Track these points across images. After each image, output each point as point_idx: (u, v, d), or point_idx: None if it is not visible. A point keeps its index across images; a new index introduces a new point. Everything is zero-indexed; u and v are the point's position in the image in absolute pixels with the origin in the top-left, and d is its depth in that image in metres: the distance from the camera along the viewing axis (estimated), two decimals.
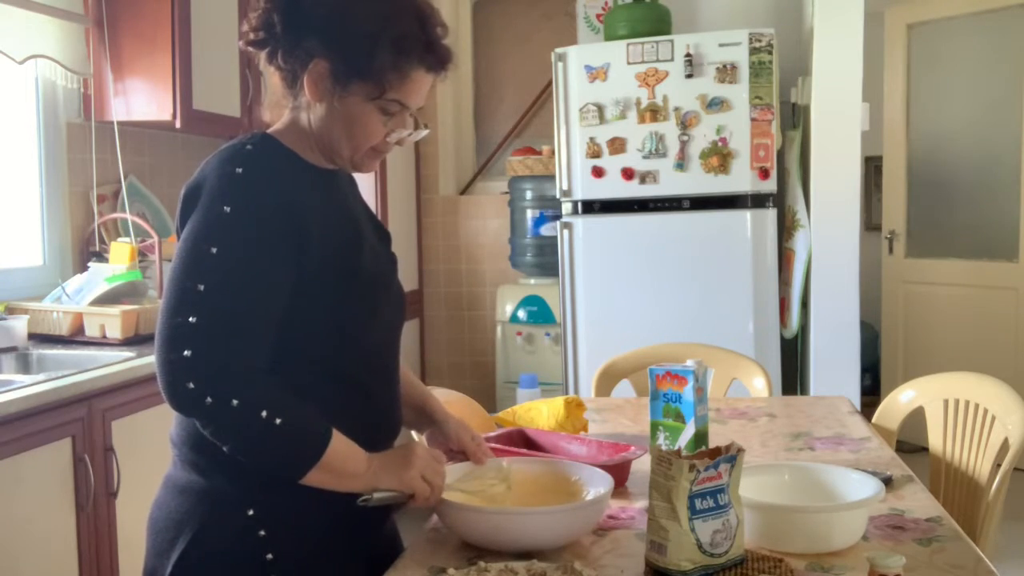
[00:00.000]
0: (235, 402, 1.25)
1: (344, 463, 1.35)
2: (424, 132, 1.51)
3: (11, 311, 2.88)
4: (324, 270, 1.38)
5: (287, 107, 1.44)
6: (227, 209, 1.31)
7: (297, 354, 1.39)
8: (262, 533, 1.38)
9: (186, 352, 1.25)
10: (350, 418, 1.40)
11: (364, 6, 1.36)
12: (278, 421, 1.27)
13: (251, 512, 1.38)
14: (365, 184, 4.31)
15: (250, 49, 1.43)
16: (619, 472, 1.58)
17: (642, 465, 1.70)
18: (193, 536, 1.39)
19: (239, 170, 1.34)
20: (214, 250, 1.29)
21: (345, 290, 1.41)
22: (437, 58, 1.40)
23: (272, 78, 1.44)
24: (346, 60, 1.35)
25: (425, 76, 1.40)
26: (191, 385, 1.25)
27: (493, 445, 1.75)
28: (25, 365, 2.76)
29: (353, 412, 1.44)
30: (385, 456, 1.43)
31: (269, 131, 1.45)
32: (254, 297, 1.31)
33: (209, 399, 1.25)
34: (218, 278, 1.29)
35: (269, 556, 1.38)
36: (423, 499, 1.44)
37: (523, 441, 1.80)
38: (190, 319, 1.26)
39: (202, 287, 1.27)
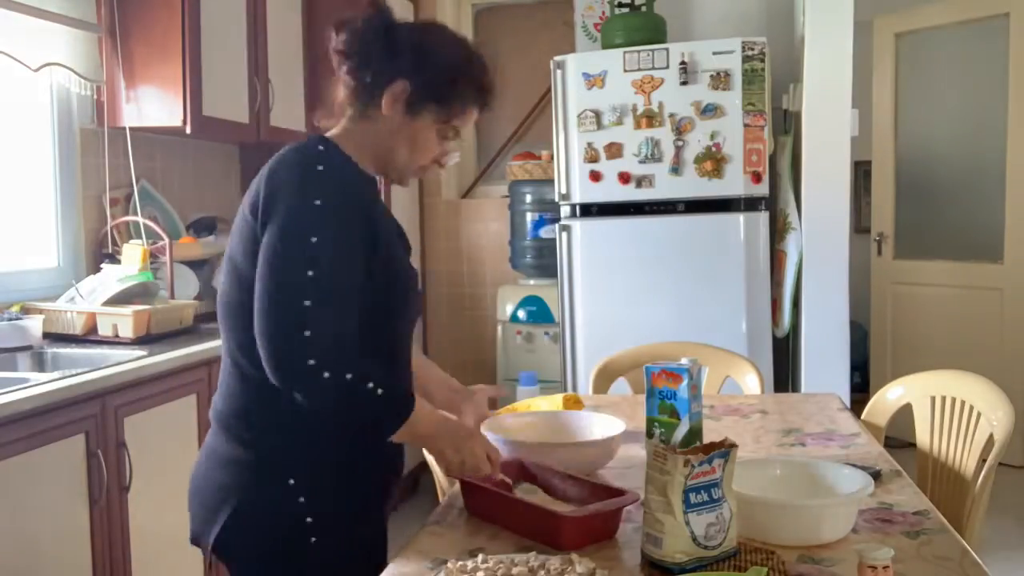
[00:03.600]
0: (348, 376, 1.40)
1: (418, 426, 1.51)
2: (457, 157, 1.66)
3: (26, 311, 2.88)
4: (385, 262, 1.52)
5: (345, 116, 1.58)
6: (317, 202, 1.43)
7: (376, 335, 1.53)
8: (302, 500, 1.51)
9: (307, 332, 1.37)
10: None
11: (448, 46, 1.57)
12: (380, 391, 1.43)
13: (292, 481, 1.51)
14: None
15: (338, 58, 1.55)
16: (611, 520, 1.54)
17: (641, 461, 1.76)
18: (238, 503, 1.52)
19: (320, 167, 1.47)
20: (314, 239, 1.41)
21: (392, 282, 1.55)
22: (488, 99, 1.61)
23: (336, 89, 1.57)
24: (426, 86, 1.53)
25: (476, 112, 1.61)
26: (312, 362, 1.37)
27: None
28: (40, 363, 2.76)
29: None
30: (450, 424, 1.62)
31: (327, 136, 1.56)
32: (351, 282, 1.44)
33: (327, 374, 1.38)
34: (324, 265, 1.40)
35: (309, 519, 1.51)
36: (458, 469, 1.60)
37: (519, 471, 1.76)
38: (305, 303, 1.38)
39: (311, 273, 1.39)
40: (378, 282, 1.51)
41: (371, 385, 1.43)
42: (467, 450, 1.59)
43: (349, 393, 1.42)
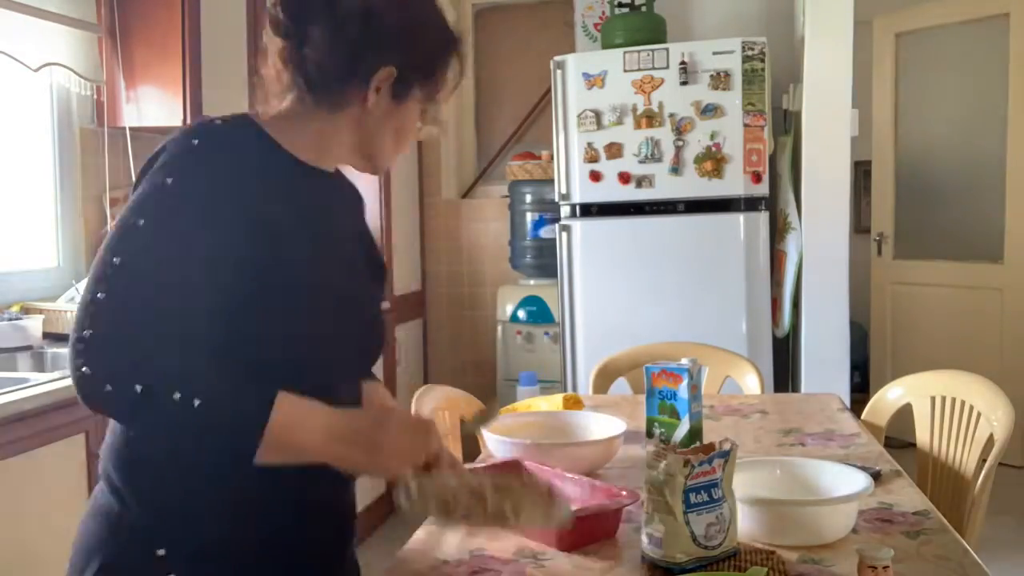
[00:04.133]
0: (138, 388, 1.07)
1: (292, 436, 1.14)
2: (423, 129, 1.45)
3: (26, 311, 2.87)
4: (283, 269, 1.21)
5: (288, 100, 1.31)
6: (168, 181, 1.16)
7: (240, 349, 1.19)
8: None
9: (86, 332, 1.08)
10: None
11: (431, 23, 1.35)
12: (196, 403, 1.08)
13: (161, 552, 1.19)
14: (370, 187, 4.34)
15: (300, 50, 1.29)
16: (611, 520, 1.53)
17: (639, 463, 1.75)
18: (100, 567, 1.22)
19: (195, 141, 1.20)
20: (141, 222, 1.14)
21: (295, 299, 1.22)
22: (466, 65, 1.40)
23: (272, 70, 1.31)
24: (414, 70, 1.31)
25: (453, 87, 1.39)
26: (86, 370, 1.07)
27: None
28: (40, 363, 2.75)
29: None
30: (353, 422, 1.21)
31: (250, 113, 1.31)
32: (177, 272, 1.13)
33: (108, 387, 1.08)
34: (137, 252, 1.13)
35: None
36: (401, 478, 1.22)
37: (518, 471, 1.70)
38: (98, 295, 1.10)
39: (117, 260, 1.12)
40: (270, 292, 1.20)
41: (178, 396, 1.08)
42: (413, 443, 1.24)
43: (151, 411, 1.09)
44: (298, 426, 1.15)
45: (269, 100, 1.32)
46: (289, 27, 1.29)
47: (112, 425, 1.25)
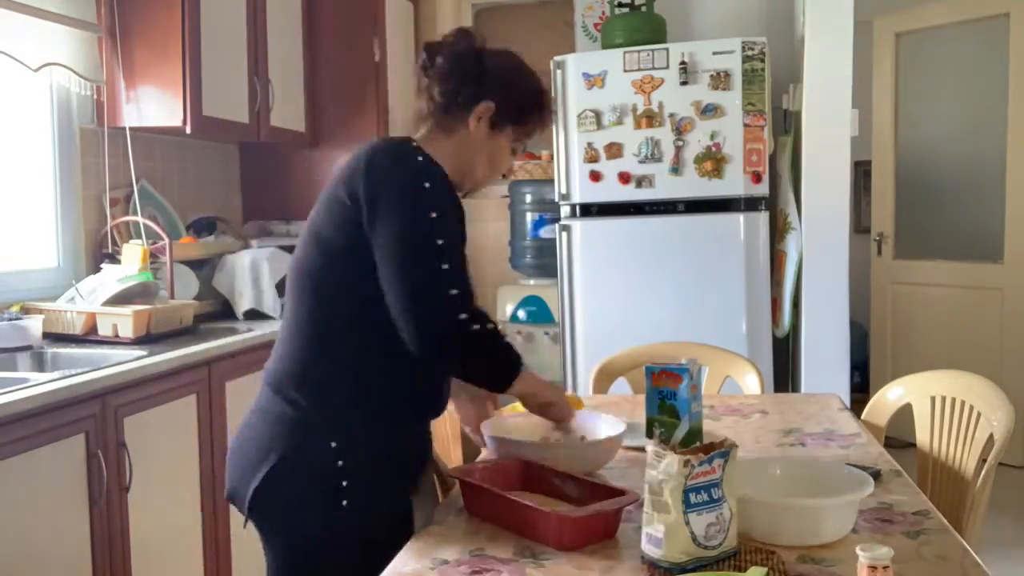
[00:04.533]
0: (490, 326, 1.59)
1: (528, 376, 1.73)
2: (517, 167, 1.90)
3: (26, 311, 2.89)
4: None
5: (422, 128, 1.74)
6: (427, 185, 1.58)
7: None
8: (340, 463, 1.61)
9: (452, 291, 1.55)
10: (426, 380, 1.72)
11: (527, 74, 1.78)
12: (506, 341, 1.65)
13: (334, 444, 1.61)
14: None
15: (431, 78, 1.73)
16: (611, 520, 1.55)
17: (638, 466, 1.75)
18: (279, 457, 1.62)
19: (420, 158, 1.62)
20: (434, 215, 1.56)
21: None
22: (549, 122, 1.83)
23: (424, 101, 1.74)
24: (509, 108, 1.72)
25: (541, 130, 1.81)
26: (463, 316, 1.55)
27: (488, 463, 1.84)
28: (40, 363, 2.77)
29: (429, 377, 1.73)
30: (533, 376, 1.78)
31: (415, 143, 1.69)
32: (463, 251, 1.64)
33: (476, 326, 1.56)
34: (448, 234, 1.57)
35: (344, 483, 1.61)
36: (559, 413, 1.86)
37: (520, 471, 1.77)
38: (443, 266, 1.54)
39: (440, 242, 1.55)
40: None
41: (506, 336, 1.64)
42: (557, 396, 1.84)
43: (492, 343, 1.61)
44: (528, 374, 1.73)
45: (414, 127, 1.76)
46: (427, 62, 1.73)
47: (287, 353, 1.67)
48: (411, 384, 1.68)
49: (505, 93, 1.71)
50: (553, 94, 3.94)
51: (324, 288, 1.64)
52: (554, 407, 1.84)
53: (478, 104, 1.70)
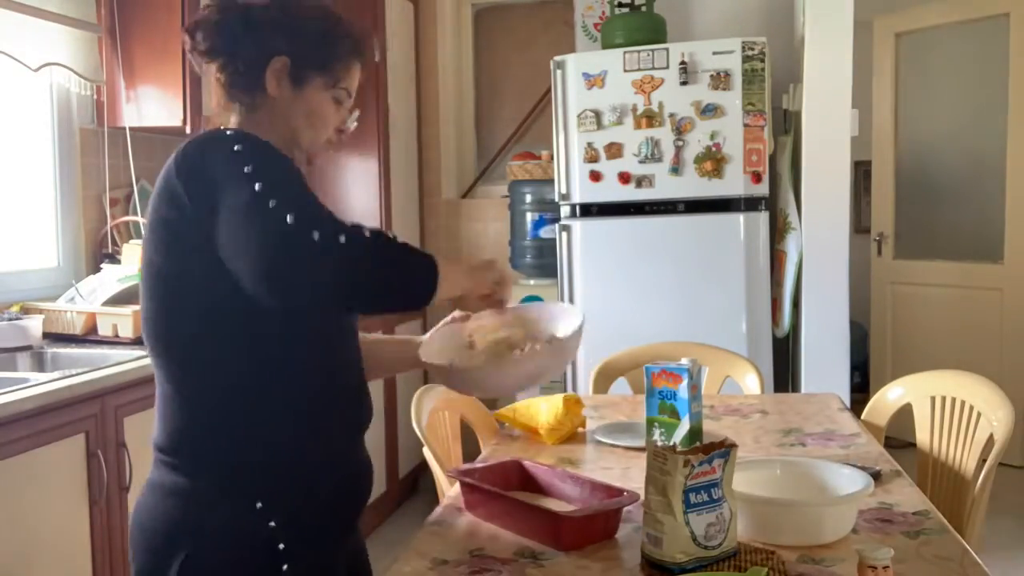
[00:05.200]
0: (367, 232, 1.27)
1: (449, 264, 1.37)
2: (356, 115, 1.60)
3: (26, 311, 2.89)
4: None
5: (233, 115, 1.47)
6: (237, 147, 1.30)
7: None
8: (272, 524, 1.35)
9: (288, 219, 1.22)
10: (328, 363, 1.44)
11: (311, 10, 1.50)
12: (400, 239, 1.31)
13: (259, 505, 1.35)
14: (369, 187, 4.34)
15: (202, 59, 1.47)
16: (611, 520, 1.53)
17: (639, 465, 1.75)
18: (195, 543, 1.34)
19: (228, 131, 1.35)
20: (247, 169, 1.27)
21: None
22: (366, 49, 1.56)
23: (215, 86, 1.48)
24: (305, 55, 1.46)
25: (358, 67, 1.55)
26: (316, 235, 1.22)
27: (484, 468, 1.78)
28: (40, 363, 2.77)
29: (330, 360, 1.46)
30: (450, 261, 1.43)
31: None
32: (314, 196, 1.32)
33: (343, 237, 1.23)
34: (272, 173, 1.28)
35: (281, 546, 1.35)
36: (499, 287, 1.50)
37: (518, 472, 1.77)
38: (270, 203, 1.23)
39: (273, 203, 1.24)
40: None
41: (391, 235, 1.31)
42: (491, 273, 1.49)
43: (379, 250, 1.28)
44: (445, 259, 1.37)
45: (218, 116, 1.49)
46: (197, 45, 1.47)
47: (169, 415, 1.38)
48: (319, 387, 1.41)
49: (293, 41, 1.45)
50: (553, 97, 3.95)
51: (179, 336, 1.35)
52: (500, 285, 1.51)
53: (266, 64, 1.44)
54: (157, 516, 1.38)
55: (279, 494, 1.36)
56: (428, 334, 1.72)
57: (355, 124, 1.60)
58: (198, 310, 1.34)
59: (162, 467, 1.39)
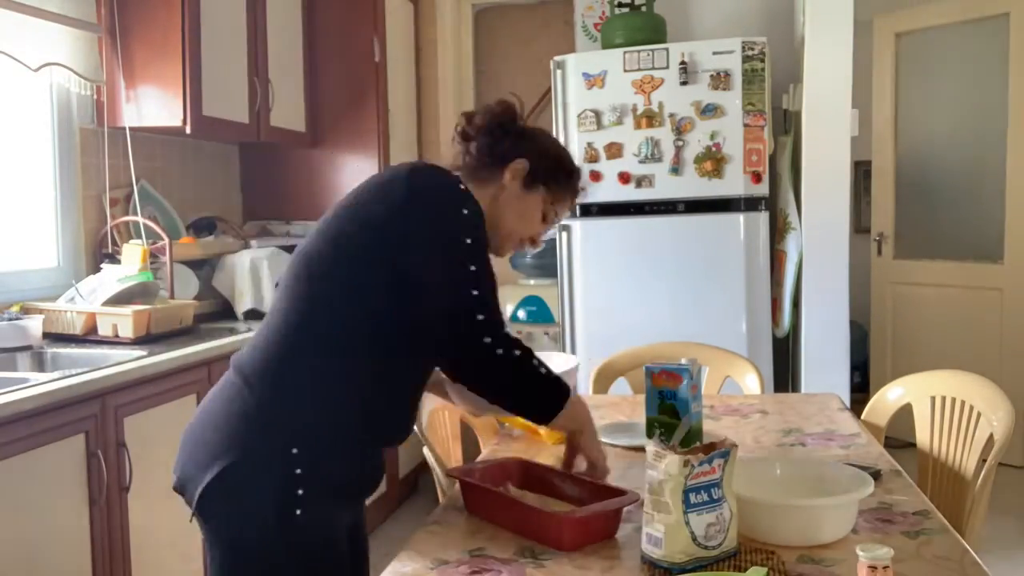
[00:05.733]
0: (517, 352, 1.59)
1: (576, 408, 1.71)
2: (550, 235, 1.87)
3: (26, 311, 2.89)
4: None
5: (460, 174, 1.75)
6: (465, 212, 1.60)
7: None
8: (298, 471, 1.54)
9: (479, 316, 1.55)
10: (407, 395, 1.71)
11: (560, 146, 1.86)
12: (543, 370, 1.63)
13: (295, 450, 1.54)
14: None
15: (473, 132, 1.77)
16: (611, 520, 1.55)
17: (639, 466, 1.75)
18: (237, 455, 1.55)
19: (462, 186, 1.64)
20: (468, 241, 1.58)
21: None
22: (578, 192, 1.86)
23: (460, 156, 1.79)
24: (543, 168, 1.76)
25: (570, 202, 1.84)
26: (488, 340, 1.56)
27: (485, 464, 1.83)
28: (40, 363, 2.77)
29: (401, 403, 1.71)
30: (576, 406, 1.74)
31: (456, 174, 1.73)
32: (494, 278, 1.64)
33: (500, 350, 1.57)
34: (481, 261, 1.59)
35: (300, 491, 1.54)
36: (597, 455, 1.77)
37: (519, 470, 1.79)
38: (473, 292, 1.56)
39: (473, 268, 1.57)
40: None
41: (536, 363, 1.62)
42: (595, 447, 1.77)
43: (520, 370, 1.60)
44: (577, 401, 1.73)
45: (447, 154, 1.83)
46: (465, 124, 1.79)
47: (266, 343, 1.61)
48: (381, 405, 1.64)
49: (539, 154, 1.77)
50: (553, 97, 3.96)
51: (327, 282, 1.59)
52: (593, 450, 1.77)
53: (513, 160, 1.74)
54: (217, 422, 1.61)
55: (313, 453, 1.55)
56: None
57: (546, 239, 1.89)
58: (360, 301, 1.57)
59: (238, 383, 1.61)
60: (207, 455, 1.58)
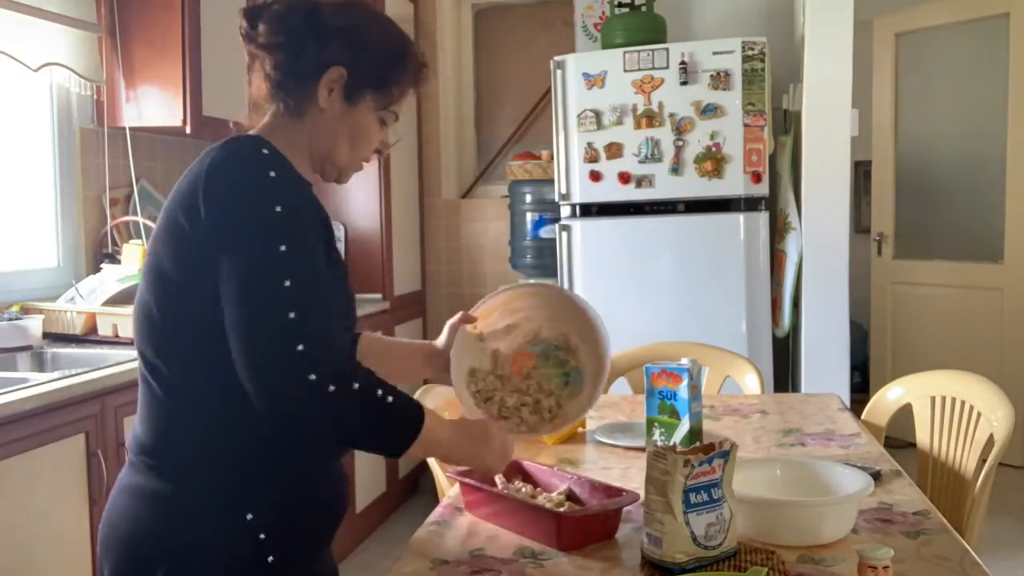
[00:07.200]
0: (356, 386, 1.24)
1: (433, 433, 1.35)
2: (395, 143, 1.55)
3: (26, 311, 2.89)
4: (333, 262, 1.39)
5: (268, 113, 1.42)
6: (278, 209, 1.26)
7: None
8: (262, 536, 1.31)
9: (299, 347, 1.20)
10: None
11: (378, 24, 1.44)
12: (390, 399, 1.28)
13: (250, 516, 1.30)
14: (370, 187, 4.34)
15: (259, 52, 1.39)
16: (611, 520, 1.53)
17: (639, 466, 1.76)
18: (183, 552, 1.30)
19: (272, 173, 1.28)
20: (283, 248, 1.24)
21: (341, 285, 1.43)
22: (425, 76, 1.48)
23: (257, 82, 1.41)
24: (365, 71, 1.39)
25: (411, 93, 1.47)
26: (313, 377, 1.20)
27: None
28: (40, 363, 2.76)
29: None
30: (464, 427, 1.47)
31: (258, 134, 1.39)
32: (327, 288, 1.30)
33: (332, 387, 1.22)
34: (300, 273, 1.24)
35: (271, 559, 1.32)
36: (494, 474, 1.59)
37: (518, 472, 1.76)
38: (290, 315, 1.21)
39: (288, 283, 1.22)
40: (341, 287, 1.43)
41: (380, 393, 1.28)
42: (487, 455, 1.48)
43: (362, 406, 1.26)
44: (434, 425, 1.36)
45: (256, 116, 1.43)
46: (256, 36, 1.39)
47: (152, 415, 1.33)
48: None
49: (355, 53, 1.38)
50: (553, 97, 3.96)
51: (173, 334, 1.31)
52: (472, 472, 1.57)
53: (324, 73, 1.37)
54: (136, 523, 1.32)
55: (270, 505, 1.32)
56: (439, 340, 1.75)
57: (394, 144, 1.56)
58: (200, 319, 1.28)
59: (143, 470, 1.34)
60: (140, 558, 1.32)
